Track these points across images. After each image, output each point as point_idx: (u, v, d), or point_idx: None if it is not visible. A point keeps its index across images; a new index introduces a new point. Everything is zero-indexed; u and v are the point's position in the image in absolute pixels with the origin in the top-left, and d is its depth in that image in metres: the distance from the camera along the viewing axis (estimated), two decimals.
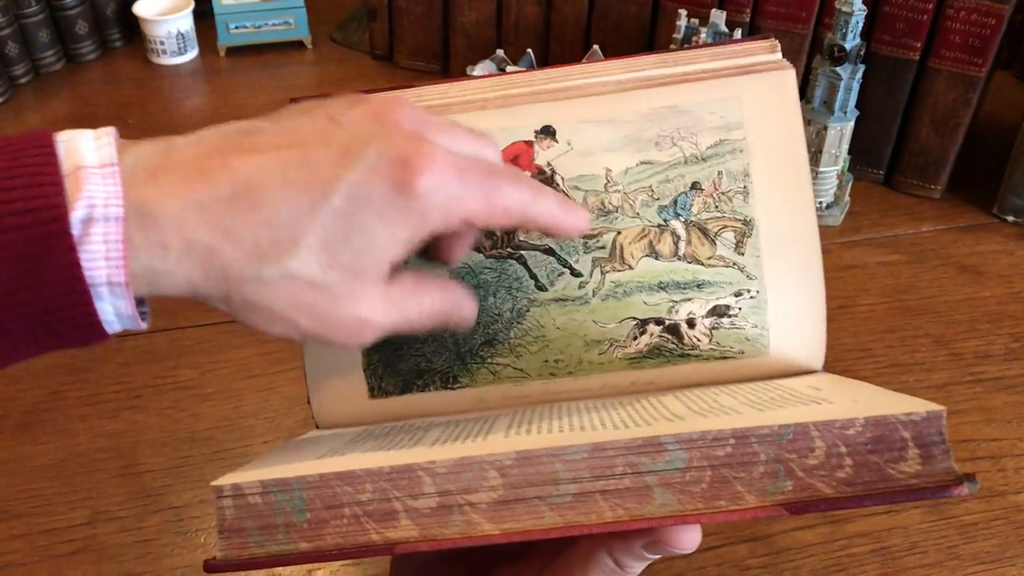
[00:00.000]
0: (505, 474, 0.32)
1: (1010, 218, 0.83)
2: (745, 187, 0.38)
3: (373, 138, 0.33)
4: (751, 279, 0.40)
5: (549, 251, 0.40)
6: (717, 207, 0.38)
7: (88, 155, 0.32)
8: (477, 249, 0.41)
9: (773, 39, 0.40)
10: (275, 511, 0.32)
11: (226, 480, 0.33)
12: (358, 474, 0.32)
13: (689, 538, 0.33)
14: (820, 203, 0.83)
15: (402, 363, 0.43)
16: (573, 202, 0.40)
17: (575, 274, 0.41)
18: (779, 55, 0.40)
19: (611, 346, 0.42)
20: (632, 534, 0.33)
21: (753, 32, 0.85)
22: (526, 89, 0.41)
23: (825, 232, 0.83)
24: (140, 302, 0.34)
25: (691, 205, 0.38)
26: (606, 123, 0.39)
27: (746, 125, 0.38)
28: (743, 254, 0.38)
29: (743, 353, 0.41)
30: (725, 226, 0.38)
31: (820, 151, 0.79)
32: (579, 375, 0.42)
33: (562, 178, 0.40)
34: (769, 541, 0.58)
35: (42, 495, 0.60)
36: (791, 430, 0.31)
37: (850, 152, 0.82)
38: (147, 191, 0.32)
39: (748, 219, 0.38)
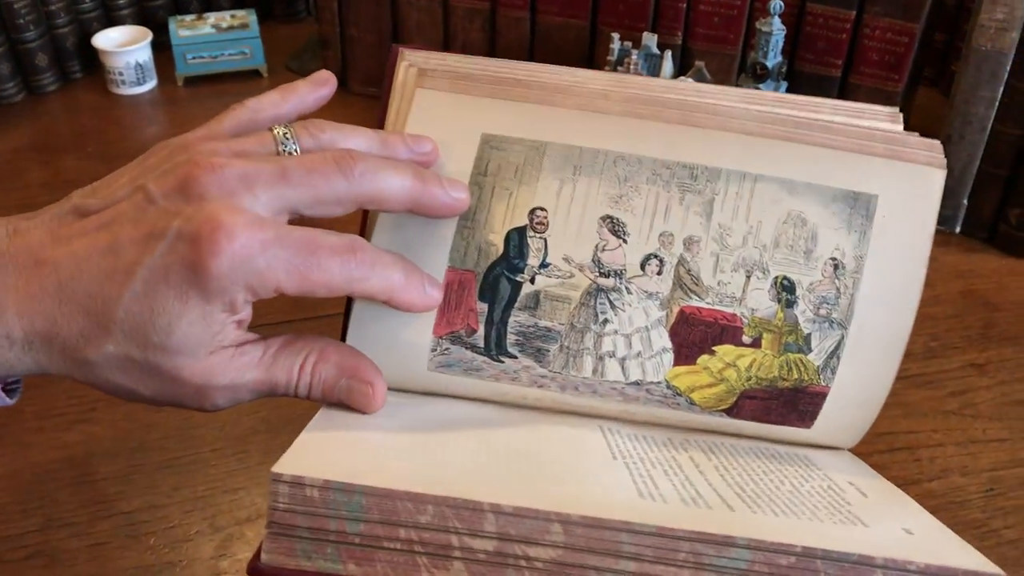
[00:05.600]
0: (569, 532, 0.31)
1: None
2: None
3: (175, 217, 0.34)
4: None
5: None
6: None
7: None
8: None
9: (896, 110, 0.38)
10: (330, 511, 0.31)
11: (287, 468, 0.32)
12: (424, 496, 0.31)
13: None
14: None
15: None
16: (416, 271, 0.38)
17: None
18: (914, 137, 0.37)
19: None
20: None
21: (685, 54, 0.89)
22: (645, 94, 0.38)
23: None
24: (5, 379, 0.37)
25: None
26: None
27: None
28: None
29: None
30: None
31: None
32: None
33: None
34: None
35: None
36: (856, 556, 0.31)
37: None
38: None
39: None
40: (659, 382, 0.37)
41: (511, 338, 0.38)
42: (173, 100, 1.08)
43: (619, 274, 0.37)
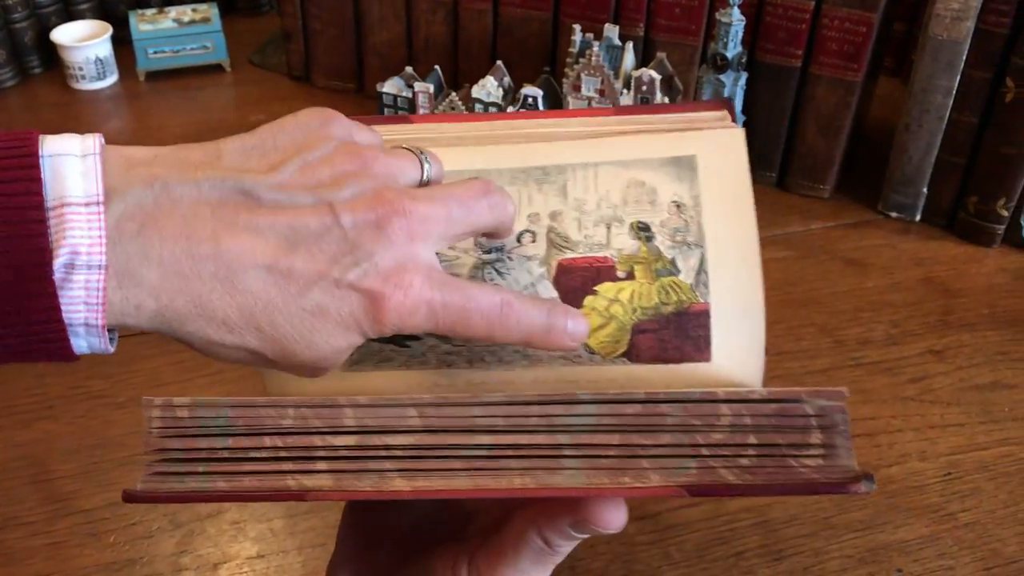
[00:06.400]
0: (424, 414, 0.33)
1: (893, 214, 0.88)
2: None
3: (361, 260, 0.34)
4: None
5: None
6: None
7: (73, 184, 0.32)
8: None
9: (724, 112, 0.44)
10: (199, 429, 0.33)
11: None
12: (284, 401, 0.33)
13: (614, 518, 0.34)
14: None
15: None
16: (558, 311, 0.38)
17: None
18: (727, 118, 0.43)
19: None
20: (559, 513, 0.35)
21: (647, 45, 0.89)
22: (507, 132, 0.43)
23: None
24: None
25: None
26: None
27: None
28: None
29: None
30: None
31: None
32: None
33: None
34: (656, 519, 0.62)
35: None
36: (698, 393, 0.32)
37: None
38: (132, 249, 0.32)
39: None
40: None
41: None
42: (134, 95, 1.07)
43: (500, 249, 0.41)
